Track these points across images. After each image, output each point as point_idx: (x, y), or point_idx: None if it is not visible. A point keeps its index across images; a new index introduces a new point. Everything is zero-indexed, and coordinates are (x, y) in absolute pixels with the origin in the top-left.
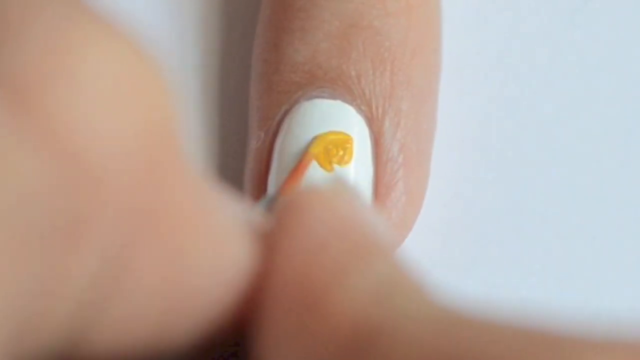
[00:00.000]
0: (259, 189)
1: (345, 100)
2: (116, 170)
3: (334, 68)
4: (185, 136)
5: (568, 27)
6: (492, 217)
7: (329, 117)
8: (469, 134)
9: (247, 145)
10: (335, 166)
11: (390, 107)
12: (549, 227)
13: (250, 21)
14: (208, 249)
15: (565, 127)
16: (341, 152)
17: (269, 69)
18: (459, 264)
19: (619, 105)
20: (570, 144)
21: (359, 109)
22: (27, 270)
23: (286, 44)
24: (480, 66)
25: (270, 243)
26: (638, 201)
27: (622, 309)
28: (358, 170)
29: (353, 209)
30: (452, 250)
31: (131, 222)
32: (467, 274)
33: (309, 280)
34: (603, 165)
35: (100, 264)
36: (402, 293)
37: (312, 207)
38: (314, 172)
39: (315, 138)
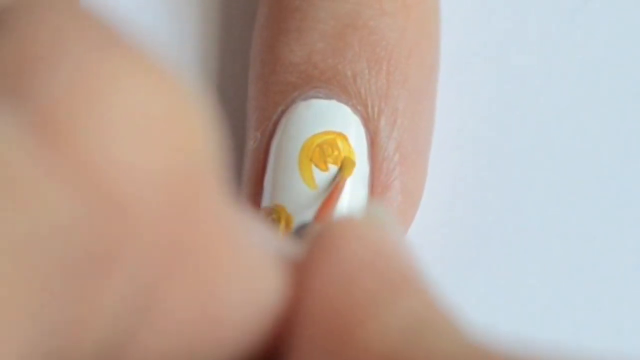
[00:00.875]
0: (256, 190)
1: (341, 100)
2: (147, 203)
3: (329, 68)
4: (221, 167)
5: (568, 26)
6: (491, 216)
7: (325, 117)
8: (467, 134)
9: (244, 146)
10: (330, 166)
11: (386, 107)
12: (548, 227)
13: (248, 22)
14: (239, 282)
15: (565, 127)
16: (336, 152)
17: (266, 70)
18: (457, 264)
19: (619, 104)
20: (570, 144)
21: (355, 109)
22: (56, 299)
23: (282, 45)
24: (480, 65)
25: (302, 273)
26: (638, 201)
27: (622, 309)
28: (354, 169)
29: (386, 241)
30: (450, 250)
31: (162, 255)
32: (466, 274)
33: (340, 314)
34: (603, 165)
35: (131, 295)
36: (433, 330)
37: (345, 238)
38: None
39: (310, 138)
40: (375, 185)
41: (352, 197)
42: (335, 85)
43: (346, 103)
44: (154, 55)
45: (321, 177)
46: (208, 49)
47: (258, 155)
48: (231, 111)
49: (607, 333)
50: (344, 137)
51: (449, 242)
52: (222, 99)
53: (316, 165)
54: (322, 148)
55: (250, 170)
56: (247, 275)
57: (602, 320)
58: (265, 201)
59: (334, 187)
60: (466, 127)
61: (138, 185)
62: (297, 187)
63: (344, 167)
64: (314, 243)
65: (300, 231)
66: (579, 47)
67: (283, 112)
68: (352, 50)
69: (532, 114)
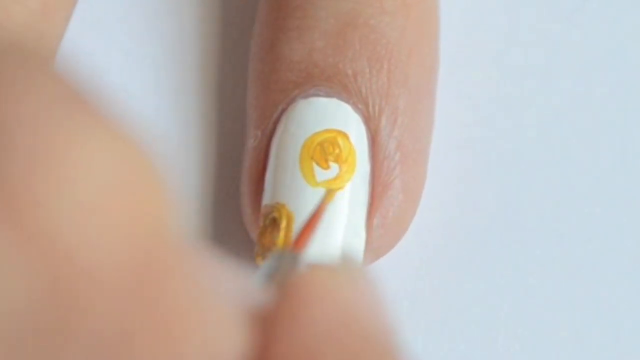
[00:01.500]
0: (256, 188)
1: (341, 99)
2: (109, 268)
3: (330, 66)
4: (183, 225)
5: (567, 26)
6: (491, 216)
7: (326, 115)
8: (467, 133)
9: (244, 145)
10: (332, 164)
11: (386, 105)
12: (548, 227)
13: (248, 20)
14: (204, 342)
15: (564, 126)
16: (337, 150)
17: (266, 68)
18: (457, 264)
19: (618, 104)
20: (569, 143)
21: (356, 107)
22: None
23: (282, 43)
24: (479, 65)
25: (268, 328)
26: (637, 201)
27: (622, 309)
28: (355, 168)
29: (357, 302)
30: (450, 249)
31: (125, 317)
32: (466, 273)
33: None
34: (602, 165)
35: (94, 358)
36: None
37: (314, 296)
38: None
39: (311, 136)
40: (376, 184)
41: (352, 196)
42: (336, 84)
43: (347, 101)
44: (116, 115)
45: (322, 175)
46: (208, 47)
47: (258, 153)
48: (231, 109)
49: (607, 333)
50: (345, 136)
51: (449, 242)
52: (221, 97)
53: (317, 164)
54: (323, 146)
55: (251, 168)
56: (211, 335)
57: (602, 320)
58: (266, 199)
59: (314, 213)
60: (466, 126)
61: (100, 251)
62: (298, 185)
63: (327, 193)
64: (283, 296)
65: (279, 260)
66: (578, 47)
67: (283, 111)
68: (352, 48)
69: (531, 113)
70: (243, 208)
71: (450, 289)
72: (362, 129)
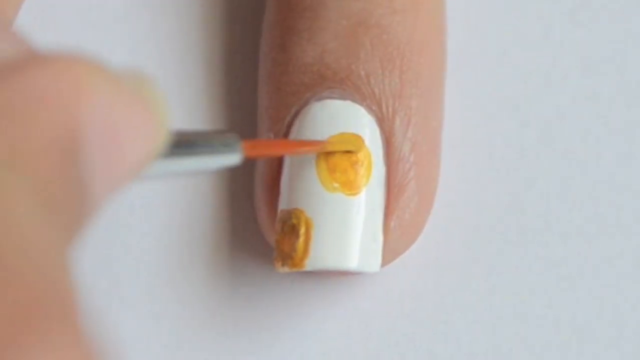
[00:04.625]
0: (271, 193)
1: (355, 101)
2: None
3: (343, 68)
4: None
5: (570, 25)
6: (496, 216)
7: (339, 118)
8: (472, 133)
9: None
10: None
11: (400, 106)
12: (550, 227)
13: (254, 19)
14: None
15: (567, 126)
16: (353, 154)
17: (277, 70)
18: (463, 264)
19: (622, 104)
20: (572, 143)
21: (369, 109)
22: None
23: (294, 45)
24: (484, 65)
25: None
26: (639, 201)
27: (622, 309)
28: (371, 171)
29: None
30: (455, 250)
31: None
32: (472, 273)
33: None
34: (605, 165)
35: None
36: None
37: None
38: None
39: (326, 140)
40: (392, 186)
41: (368, 199)
42: (349, 86)
43: (361, 103)
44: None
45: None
46: (214, 47)
47: (272, 157)
48: (240, 111)
49: (607, 333)
50: (359, 139)
51: (461, 241)
52: (230, 98)
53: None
54: (339, 150)
55: (265, 172)
56: None
57: (603, 320)
58: (283, 204)
59: (315, 143)
60: (469, 126)
61: None
62: (315, 190)
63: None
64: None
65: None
66: (582, 45)
67: (297, 113)
68: (364, 49)
69: (536, 113)
70: (258, 212)
71: (464, 287)
72: (376, 131)
